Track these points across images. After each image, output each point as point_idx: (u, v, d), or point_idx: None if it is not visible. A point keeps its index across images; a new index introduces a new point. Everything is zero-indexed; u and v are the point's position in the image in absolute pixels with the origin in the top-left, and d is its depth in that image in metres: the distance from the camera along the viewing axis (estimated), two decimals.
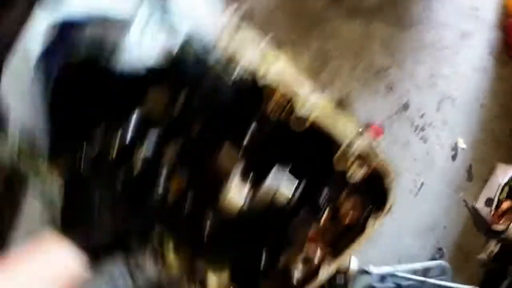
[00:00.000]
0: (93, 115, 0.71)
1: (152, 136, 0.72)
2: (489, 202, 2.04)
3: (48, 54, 0.64)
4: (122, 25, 0.64)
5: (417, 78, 2.00)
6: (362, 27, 2.00)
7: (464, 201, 2.12)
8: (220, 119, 0.75)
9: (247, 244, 0.80)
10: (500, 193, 1.98)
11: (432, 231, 2.10)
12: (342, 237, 0.82)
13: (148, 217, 0.73)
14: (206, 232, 0.80)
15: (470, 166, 2.12)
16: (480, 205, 2.08)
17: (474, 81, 2.09)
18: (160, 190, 0.73)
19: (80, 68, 0.66)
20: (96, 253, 0.65)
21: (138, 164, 0.71)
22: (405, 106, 1.98)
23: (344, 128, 0.77)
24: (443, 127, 2.06)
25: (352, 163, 0.77)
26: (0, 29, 0.61)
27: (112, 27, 0.64)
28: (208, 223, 0.78)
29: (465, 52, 2.07)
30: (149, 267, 0.79)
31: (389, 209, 0.80)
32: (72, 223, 0.67)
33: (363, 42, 1.99)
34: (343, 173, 0.78)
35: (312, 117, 0.75)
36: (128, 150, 0.71)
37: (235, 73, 0.73)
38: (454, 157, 2.09)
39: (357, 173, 0.78)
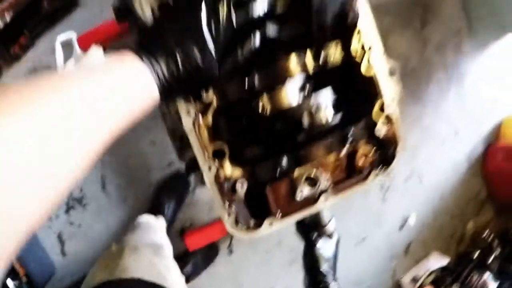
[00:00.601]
0: None
1: None
2: (414, 280, 2.21)
3: None
4: None
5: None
6: None
7: (394, 270, 2.28)
8: (304, 29, 0.84)
9: (275, 143, 0.88)
10: (426, 277, 2.15)
11: (356, 286, 2.22)
12: (348, 177, 0.92)
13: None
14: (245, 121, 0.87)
15: (410, 243, 2.29)
16: (406, 280, 2.25)
17: (446, 173, 2.30)
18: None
19: None
20: (170, 88, 0.60)
21: None
22: None
23: (390, 90, 0.89)
24: (404, 197, 2.24)
25: (383, 119, 0.89)
26: None
27: None
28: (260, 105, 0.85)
29: (448, 148, 2.28)
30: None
31: (389, 172, 0.92)
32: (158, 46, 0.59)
33: None
34: (374, 123, 0.89)
35: (376, 70, 0.88)
36: None
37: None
38: (401, 228, 2.27)
39: (382, 129, 0.90)
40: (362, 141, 0.91)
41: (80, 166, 0.45)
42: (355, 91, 0.91)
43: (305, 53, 0.86)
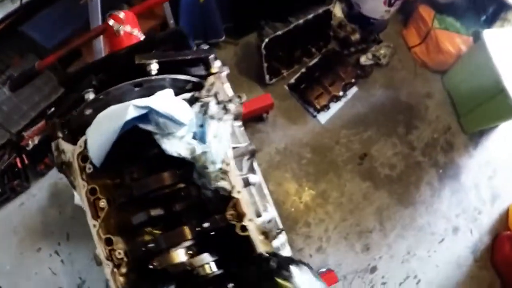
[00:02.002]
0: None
1: None
2: None
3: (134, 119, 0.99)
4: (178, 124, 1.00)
5: (394, 250, 2.18)
6: (368, 190, 2.25)
7: None
8: (198, 207, 1.07)
9: None
10: None
11: None
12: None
13: None
14: None
15: None
16: None
17: (448, 271, 2.22)
18: None
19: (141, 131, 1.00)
20: None
21: None
22: (373, 269, 2.15)
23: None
24: None
25: None
26: None
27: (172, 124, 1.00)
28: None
29: (449, 244, 2.24)
30: None
31: None
32: None
33: (362, 202, 2.23)
34: None
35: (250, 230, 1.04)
36: None
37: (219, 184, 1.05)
38: None
39: None
40: None
41: None
42: (234, 248, 1.07)
43: (194, 222, 1.07)
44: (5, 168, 2.31)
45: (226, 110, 1.14)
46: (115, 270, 1.06)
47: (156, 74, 1.10)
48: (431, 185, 2.28)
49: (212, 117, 1.11)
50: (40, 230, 2.26)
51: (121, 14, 1.28)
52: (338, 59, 2.26)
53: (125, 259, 1.06)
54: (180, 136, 1.05)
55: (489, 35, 2.05)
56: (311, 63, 2.23)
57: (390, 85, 2.38)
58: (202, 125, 1.11)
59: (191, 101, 1.11)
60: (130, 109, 0.98)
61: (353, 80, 2.26)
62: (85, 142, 1.09)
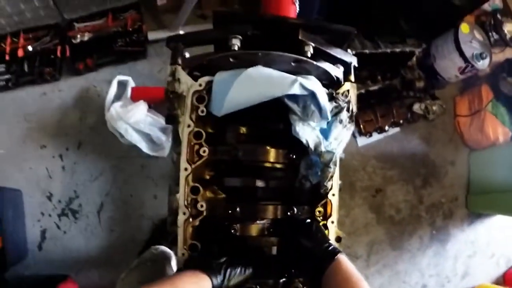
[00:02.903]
0: None
1: None
2: None
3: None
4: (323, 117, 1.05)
5: (369, 282, 2.29)
6: (371, 221, 2.39)
7: None
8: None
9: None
10: None
11: None
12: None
13: None
14: None
15: None
16: None
17: None
18: None
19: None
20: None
21: None
22: None
23: None
24: None
25: None
26: None
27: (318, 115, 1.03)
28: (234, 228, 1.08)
29: None
30: None
31: None
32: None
33: (361, 229, 2.37)
34: None
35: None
36: None
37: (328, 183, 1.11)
38: None
39: None
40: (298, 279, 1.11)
41: None
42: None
43: (279, 205, 1.11)
44: (42, 50, 2.18)
45: (352, 119, 1.18)
46: (190, 219, 1.08)
47: (309, 57, 1.12)
48: (422, 240, 2.45)
49: (340, 121, 1.15)
50: (53, 128, 2.17)
51: None
52: (397, 97, 2.35)
53: (204, 213, 1.09)
54: (313, 127, 1.09)
55: None
56: (372, 88, 2.29)
57: (427, 139, 2.51)
58: (328, 123, 1.15)
59: (328, 98, 1.15)
60: (296, 86, 1.00)
61: (401, 121, 2.36)
62: (207, 83, 1.10)
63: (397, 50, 2.13)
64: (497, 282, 2.56)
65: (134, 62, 2.24)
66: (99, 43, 2.22)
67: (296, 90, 1.00)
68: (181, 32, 2.15)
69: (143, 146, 2.04)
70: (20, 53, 2.18)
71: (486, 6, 2.55)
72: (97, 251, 2.11)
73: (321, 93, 1.05)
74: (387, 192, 2.41)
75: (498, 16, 2.57)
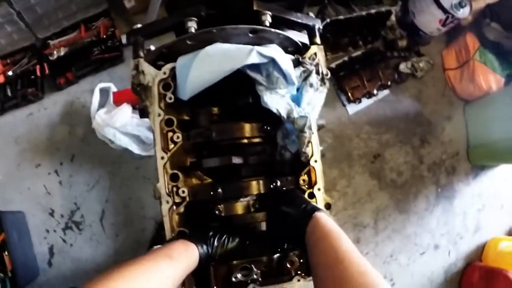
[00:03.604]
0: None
1: None
2: None
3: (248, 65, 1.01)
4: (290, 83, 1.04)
5: (380, 249, 2.32)
6: (373, 188, 2.37)
7: None
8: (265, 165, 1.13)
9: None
10: None
11: None
12: (275, 275, 1.09)
13: None
14: None
15: None
16: None
17: (417, 283, 2.38)
18: None
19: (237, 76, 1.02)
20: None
21: None
22: None
23: None
24: None
25: None
26: None
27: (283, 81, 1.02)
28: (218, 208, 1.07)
29: (427, 258, 2.39)
30: None
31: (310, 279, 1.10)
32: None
33: (364, 197, 2.35)
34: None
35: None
36: None
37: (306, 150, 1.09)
38: None
39: None
40: (292, 253, 1.09)
41: None
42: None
43: (263, 178, 1.10)
44: (21, 72, 2.21)
45: (323, 82, 1.16)
46: (174, 207, 1.07)
47: (267, 27, 1.10)
48: (428, 200, 2.42)
49: (311, 85, 1.13)
50: (44, 146, 2.19)
51: None
52: (381, 59, 2.31)
53: (187, 198, 1.08)
54: (282, 95, 1.07)
55: None
56: (354, 54, 2.27)
57: (418, 97, 2.47)
58: (298, 90, 1.13)
59: (294, 64, 1.13)
60: (253, 54, 0.99)
61: (389, 83, 2.32)
62: (171, 70, 1.09)
63: (373, 11, 2.10)
64: (509, 233, 2.52)
65: (113, 67, 2.25)
66: (76, 56, 2.23)
67: (254, 59, 0.98)
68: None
69: (134, 148, 2.04)
70: (1, 79, 2.20)
71: None
72: (105, 258, 2.12)
73: (282, 59, 1.03)
74: (386, 156, 2.38)
75: None
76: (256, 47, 1.00)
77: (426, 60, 2.39)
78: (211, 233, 1.02)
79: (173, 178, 1.08)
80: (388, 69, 2.32)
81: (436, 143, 2.45)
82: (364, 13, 2.07)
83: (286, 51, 1.15)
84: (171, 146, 1.09)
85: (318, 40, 1.21)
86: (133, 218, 2.14)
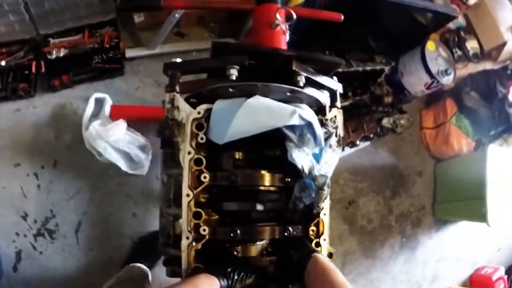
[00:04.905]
0: None
1: None
2: None
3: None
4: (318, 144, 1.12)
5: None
6: (344, 232, 2.48)
7: None
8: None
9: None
10: None
11: None
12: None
13: None
14: None
15: None
16: None
17: None
18: None
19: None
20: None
21: None
22: None
23: None
24: None
25: None
26: None
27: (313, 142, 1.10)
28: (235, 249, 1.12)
29: None
30: None
31: None
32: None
33: (336, 240, 2.44)
34: None
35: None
36: None
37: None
38: None
39: None
40: None
41: None
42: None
43: (277, 225, 1.17)
44: (15, 65, 2.13)
45: (339, 144, 1.26)
46: (193, 243, 1.12)
47: (301, 87, 1.19)
48: (393, 248, 2.58)
49: (330, 146, 1.22)
50: (27, 146, 2.10)
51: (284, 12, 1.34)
52: (366, 112, 2.46)
53: (207, 236, 1.12)
54: (307, 152, 1.15)
55: (492, 149, 2.40)
56: (343, 104, 2.38)
57: (395, 152, 2.65)
58: (319, 149, 1.22)
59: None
60: (295, 117, 1.07)
61: (371, 135, 2.46)
62: (205, 111, 1.14)
63: (368, 68, 2.24)
64: (464, 284, 2.72)
65: (111, 79, 2.23)
66: (75, 60, 2.18)
67: (295, 121, 1.06)
68: (160, 50, 2.19)
69: (122, 165, 2.03)
70: None
71: (451, 24, 2.71)
72: (75, 271, 2.07)
73: (317, 123, 1.12)
74: (359, 204, 2.52)
75: (462, 33, 2.75)
76: (298, 110, 1.08)
77: (407, 118, 2.56)
78: (230, 269, 1.08)
79: (196, 216, 1.12)
80: (372, 122, 2.46)
81: (406, 196, 2.63)
82: (360, 69, 2.20)
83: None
84: (197, 184, 1.13)
85: (338, 103, 1.31)
86: (110, 234, 2.12)
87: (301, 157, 1.13)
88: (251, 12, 1.40)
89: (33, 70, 2.14)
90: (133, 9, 1.67)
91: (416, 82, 2.45)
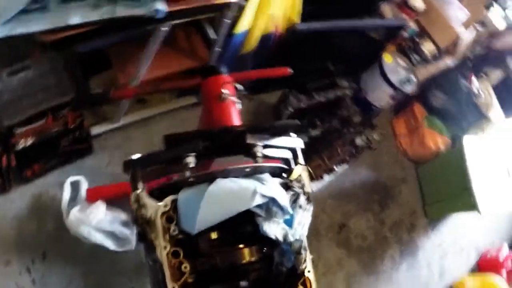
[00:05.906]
0: None
1: None
2: None
3: None
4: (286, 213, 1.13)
5: None
6: (342, 256, 2.49)
7: None
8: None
9: None
10: None
11: None
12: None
13: None
14: None
15: None
16: None
17: None
18: None
19: None
20: None
21: None
22: None
23: None
24: None
25: None
26: None
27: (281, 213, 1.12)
28: None
29: None
30: None
31: None
32: None
33: (335, 266, 2.45)
34: None
35: None
36: None
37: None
38: None
39: None
40: None
41: None
42: None
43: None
44: None
45: (309, 200, 1.28)
46: None
47: (260, 157, 1.21)
48: (393, 259, 2.60)
49: (300, 207, 1.24)
50: (13, 242, 2.09)
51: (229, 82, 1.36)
52: (338, 136, 2.49)
53: None
54: (278, 222, 1.17)
55: (467, 140, 2.46)
56: (314, 134, 2.43)
57: (374, 166, 2.70)
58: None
59: (283, 188, 1.23)
60: (257, 198, 1.08)
61: (347, 158, 2.49)
62: (172, 202, 1.15)
63: (331, 96, 2.28)
64: (473, 271, 2.75)
65: (82, 159, 2.24)
66: (43, 146, 2.16)
67: (258, 201, 1.08)
68: (124, 122, 2.20)
69: (109, 244, 2.03)
70: None
71: (404, 33, 2.76)
72: None
73: (280, 195, 1.13)
74: (350, 226, 2.54)
75: (416, 39, 2.80)
76: (258, 188, 1.10)
77: (379, 131, 2.59)
78: None
79: None
80: (345, 145, 2.49)
81: (395, 205, 2.66)
82: (323, 99, 2.25)
83: (273, 175, 1.26)
84: (179, 275, 1.14)
85: (301, 160, 1.33)
86: None
87: (273, 228, 1.15)
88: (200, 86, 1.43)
89: (4, 164, 2.13)
90: (89, 105, 1.68)
91: (381, 96, 2.51)
